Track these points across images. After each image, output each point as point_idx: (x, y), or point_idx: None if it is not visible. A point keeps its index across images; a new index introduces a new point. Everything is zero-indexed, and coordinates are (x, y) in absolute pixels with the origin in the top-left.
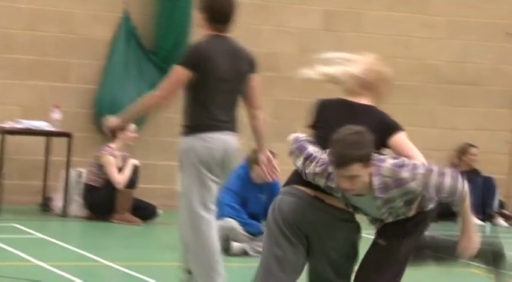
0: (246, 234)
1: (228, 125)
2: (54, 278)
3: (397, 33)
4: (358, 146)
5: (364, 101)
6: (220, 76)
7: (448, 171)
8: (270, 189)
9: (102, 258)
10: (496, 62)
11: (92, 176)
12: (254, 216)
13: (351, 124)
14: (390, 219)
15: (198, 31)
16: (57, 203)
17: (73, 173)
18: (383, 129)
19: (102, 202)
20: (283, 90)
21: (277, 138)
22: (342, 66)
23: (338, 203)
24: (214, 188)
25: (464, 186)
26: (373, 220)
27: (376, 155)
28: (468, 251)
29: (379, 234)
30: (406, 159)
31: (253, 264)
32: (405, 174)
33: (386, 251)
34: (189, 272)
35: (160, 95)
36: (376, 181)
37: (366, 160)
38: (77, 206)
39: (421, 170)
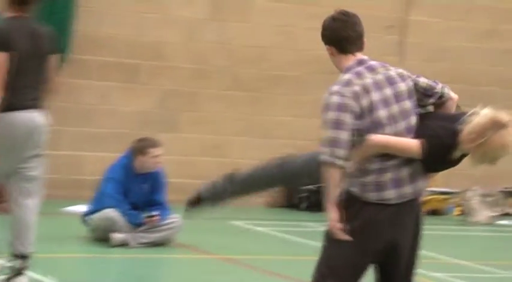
0: (128, 224)
1: (34, 103)
2: None
3: (283, 24)
4: (327, 27)
5: None
6: (23, 56)
7: (334, 137)
8: (153, 178)
9: None
10: (376, 54)
11: None
12: (136, 207)
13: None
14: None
15: (83, 15)
16: None
17: None
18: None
19: None
20: (169, 80)
21: (162, 127)
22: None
23: None
24: (18, 166)
25: (324, 154)
26: None
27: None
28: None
29: None
30: (358, 85)
31: (134, 255)
32: (336, 85)
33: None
34: (20, 256)
35: None
36: (342, 73)
37: (325, 41)
38: None
39: (335, 99)
